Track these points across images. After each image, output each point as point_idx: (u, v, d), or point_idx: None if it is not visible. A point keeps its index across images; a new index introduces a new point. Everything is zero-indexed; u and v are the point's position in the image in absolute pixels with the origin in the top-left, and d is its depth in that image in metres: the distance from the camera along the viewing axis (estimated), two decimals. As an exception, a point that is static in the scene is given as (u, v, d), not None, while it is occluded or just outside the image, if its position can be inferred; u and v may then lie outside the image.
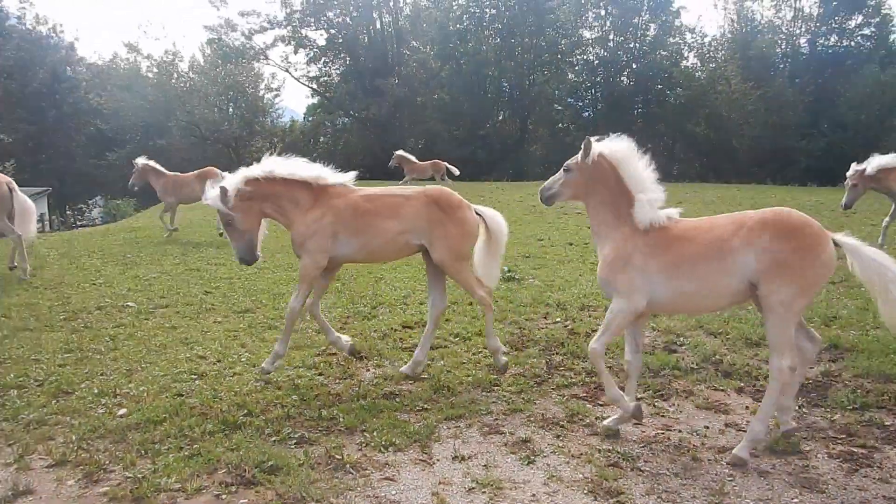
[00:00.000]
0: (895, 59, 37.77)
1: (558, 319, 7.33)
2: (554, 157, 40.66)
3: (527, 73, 43.11)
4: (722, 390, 5.30)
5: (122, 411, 4.90)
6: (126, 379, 5.58)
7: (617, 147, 4.43)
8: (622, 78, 44.44)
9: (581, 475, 4.00)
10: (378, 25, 47.75)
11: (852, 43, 39.79)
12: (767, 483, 3.90)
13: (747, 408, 4.96)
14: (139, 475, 3.96)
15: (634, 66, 43.51)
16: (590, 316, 7.44)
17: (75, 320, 7.46)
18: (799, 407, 4.92)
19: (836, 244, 4.06)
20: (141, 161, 14.13)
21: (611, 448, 4.33)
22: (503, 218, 5.70)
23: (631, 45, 44.02)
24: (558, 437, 4.52)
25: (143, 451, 4.28)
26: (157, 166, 14.15)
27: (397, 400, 5.14)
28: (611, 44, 44.36)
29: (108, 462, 4.15)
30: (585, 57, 45.48)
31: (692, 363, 5.85)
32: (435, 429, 4.62)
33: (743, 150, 36.44)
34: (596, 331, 6.61)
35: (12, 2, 52.38)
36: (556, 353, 6.18)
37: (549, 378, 5.60)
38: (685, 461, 4.16)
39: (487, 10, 44.22)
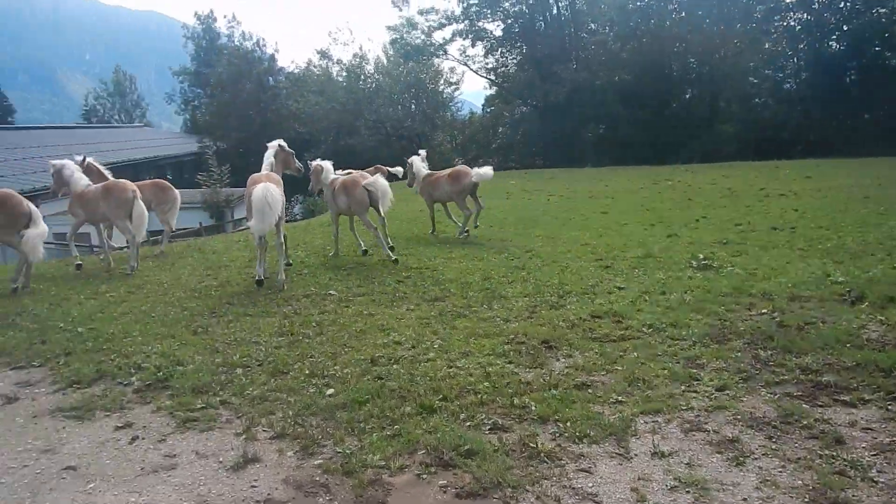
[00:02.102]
0: None
1: (764, 311, 6.74)
2: (748, 135, 37.80)
3: (717, 45, 40.37)
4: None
5: (330, 391, 5.21)
6: (332, 361, 5.93)
7: None
8: (830, 42, 40.09)
9: (800, 482, 3.63)
10: (555, 11, 47.21)
11: None
12: None
13: None
14: (347, 451, 4.19)
15: (845, 27, 39.06)
16: (801, 307, 6.78)
17: (287, 306, 8.08)
18: None
19: None
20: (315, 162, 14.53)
21: (834, 454, 3.88)
22: None
23: (840, 5, 39.61)
24: (770, 438, 4.15)
25: (349, 429, 4.52)
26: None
27: (590, 391, 5.00)
28: (815, 6, 40.24)
29: (320, 437, 4.44)
30: (785, 23, 41.69)
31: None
32: (631, 422, 4.42)
33: None
34: (810, 323, 6.09)
35: (222, 22, 58.11)
36: (764, 348, 5.69)
37: (756, 374, 5.16)
38: (930, 474, 3.64)
39: (670, -19, 42.10)
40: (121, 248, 13.62)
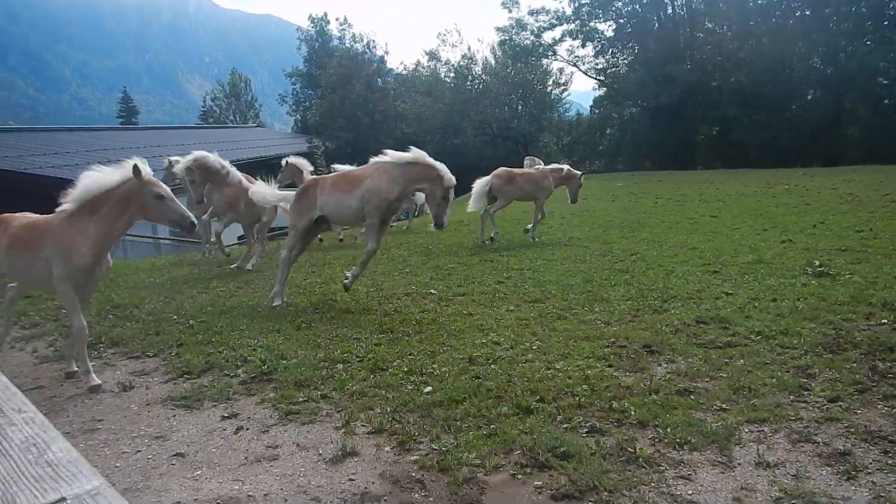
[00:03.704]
0: None
1: (884, 321, 6.36)
2: (875, 139, 35.38)
3: (843, 45, 38.01)
4: None
5: (428, 389, 5.32)
6: (430, 360, 6.06)
7: None
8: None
9: (918, 500, 3.44)
10: (669, 10, 45.94)
11: None
12: None
13: None
14: (444, 448, 4.27)
15: None
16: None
17: (387, 304, 8.33)
18: None
19: None
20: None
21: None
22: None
23: None
24: (886, 452, 3.93)
25: (446, 427, 4.61)
26: None
27: (692, 397, 4.90)
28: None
29: (417, 434, 4.54)
30: (920, 20, 38.72)
31: None
32: (735, 431, 4.30)
33: None
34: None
35: (335, 24, 60.02)
36: (883, 359, 5.37)
37: (873, 386, 4.89)
38: None
39: (795, -23, 39.99)
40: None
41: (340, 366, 6.02)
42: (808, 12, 40.39)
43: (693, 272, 9.16)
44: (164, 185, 5.72)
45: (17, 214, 6.08)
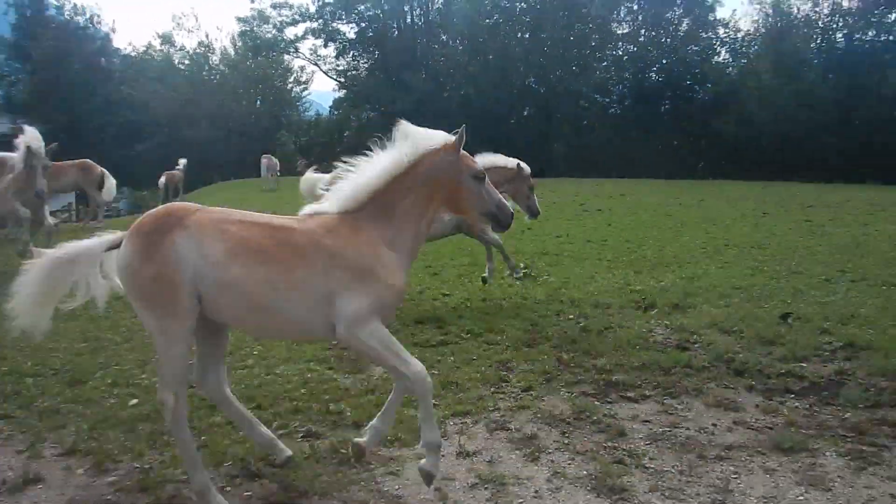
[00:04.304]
0: (934, 55, 37.07)
1: (571, 317, 7.30)
2: (577, 155, 40.35)
3: (554, 68, 42.79)
4: (733, 388, 5.25)
5: (134, 401, 4.98)
6: (140, 370, 5.68)
7: None
8: (651, 74, 43.91)
9: (585, 472, 3.99)
10: (409, 19, 47.85)
11: (891, 37, 38.77)
12: (773, 480, 3.87)
13: (757, 406, 4.91)
14: (146, 466, 4.04)
15: (664, 61, 43.05)
16: (603, 313, 7.39)
17: (95, 309, 7.57)
18: (809, 406, 4.89)
19: None
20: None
21: (616, 445, 4.31)
22: None
23: (662, 41, 43.51)
24: (564, 433, 4.52)
25: (152, 442, 4.36)
26: None
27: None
28: (642, 39, 43.90)
29: (117, 452, 4.23)
30: (615, 52, 45.00)
31: (704, 361, 5.79)
32: (441, 425, 4.62)
33: (771, 147, 35.68)
34: (608, 328, 6.67)
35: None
36: (567, 351, 6.16)
37: (558, 375, 5.59)
38: (691, 458, 4.13)
39: (518, 3, 43.99)
40: None
41: (30, 380, 5.41)
42: (527, 35, 44.71)
43: (416, 273, 9.65)
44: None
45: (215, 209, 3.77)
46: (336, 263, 3.47)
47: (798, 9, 40.21)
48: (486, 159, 7.20)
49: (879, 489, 3.77)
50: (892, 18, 38.30)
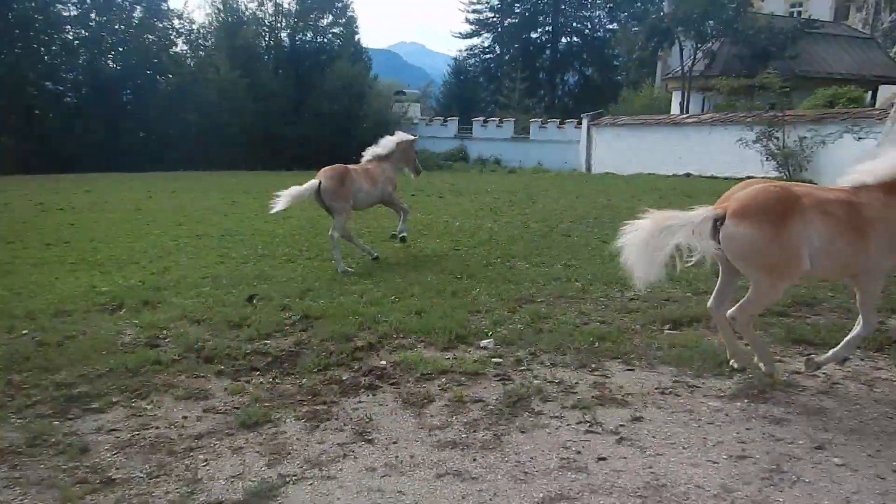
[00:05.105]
0: (361, 56, 44.29)
1: (25, 331, 6.42)
2: (29, 148, 35.77)
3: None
4: (203, 376, 5.36)
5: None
6: None
7: None
8: (108, 61, 41.19)
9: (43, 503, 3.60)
10: None
11: (325, 39, 44.56)
12: (240, 459, 4.07)
13: (226, 389, 5.10)
14: None
15: (121, 49, 40.83)
16: (65, 322, 6.70)
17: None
18: (272, 379, 5.32)
19: None
20: None
21: (78, 464, 3.98)
22: None
23: (116, 27, 41.03)
24: (15, 466, 3.98)
25: None
26: None
27: None
28: (93, 24, 40.60)
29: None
30: (64, 36, 40.73)
31: (174, 354, 5.77)
32: None
33: (235, 137, 37.35)
34: (71, 337, 6.00)
35: None
36: (20, 371, 5.41)
37: (9, 401, 4.87)
38: (160, 457, 4.07)
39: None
40: None
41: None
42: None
43: None
44: None
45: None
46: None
47: (246, 6, 42.82)
48: None
49: (330, 441, 4.29)
50: (325, 23, 44.25)
